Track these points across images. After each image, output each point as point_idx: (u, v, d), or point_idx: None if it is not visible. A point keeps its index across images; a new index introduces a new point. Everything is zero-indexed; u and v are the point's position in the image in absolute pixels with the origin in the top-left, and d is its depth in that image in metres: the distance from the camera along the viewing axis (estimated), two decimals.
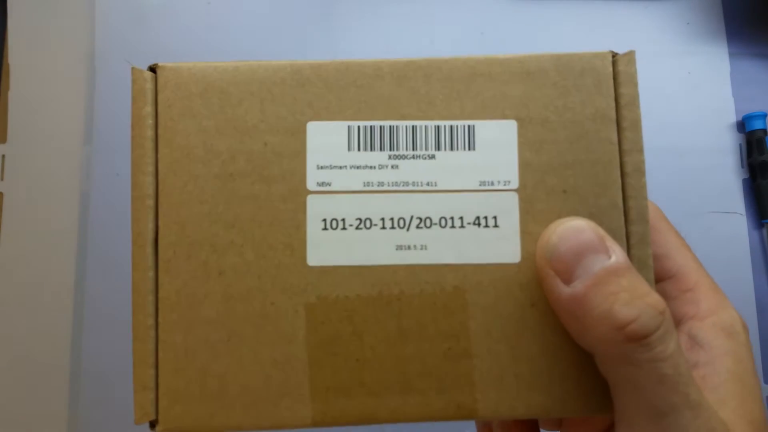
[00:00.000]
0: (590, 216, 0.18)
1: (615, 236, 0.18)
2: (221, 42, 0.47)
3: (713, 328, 0.20)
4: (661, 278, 0.21)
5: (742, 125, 0.46)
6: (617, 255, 0.17)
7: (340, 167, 0.17)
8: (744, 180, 0.46)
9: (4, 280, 0.43)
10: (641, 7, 0.48)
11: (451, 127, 0.18)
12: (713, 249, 0.45)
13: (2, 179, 0.45)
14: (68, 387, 0.42)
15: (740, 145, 0.46)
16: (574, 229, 0.17)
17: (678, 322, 0.21)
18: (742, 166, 0.46)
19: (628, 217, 0.18)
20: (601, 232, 0.17)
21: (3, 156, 0.45)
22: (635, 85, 0.18)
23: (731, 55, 0.48)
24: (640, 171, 0.18)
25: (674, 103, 0.47)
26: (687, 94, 0.47)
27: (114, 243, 0.44)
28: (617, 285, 0.16)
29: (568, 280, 0.17)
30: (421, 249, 0.17)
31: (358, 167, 0.17)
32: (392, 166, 0.17)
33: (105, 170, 0.45)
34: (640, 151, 0.18)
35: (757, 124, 0.45)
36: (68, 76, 0.46)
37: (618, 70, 0.18)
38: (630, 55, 0.18)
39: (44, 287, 0.43)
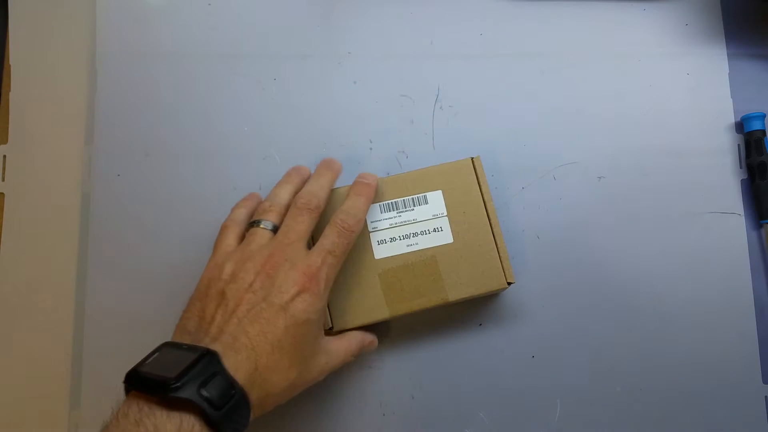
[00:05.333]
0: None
1: None
2: (221, 42, 0.47)
3: None
4: None
5: (740, 126, 0.46)
6: None
7: (380, 221, 0.41)
8: (742, 180, 0.46)
9: (4, 280, 0.43)
10: (640, 9, 0.49)
11: (418, 196, 0.41)
12: (712, 249, 0.45)
13: (3, 180, 0.45)
14: (68, 387, 0.42)
15: (738, 145, 0.46)
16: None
17: None
18: (741, 167, 0.46)
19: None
20: None
21: (4, 156, 0.45)
22: None
23: (730, 56, 0.48)
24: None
25: (673, 103, 0.47)
26: (686, 94, 0.47)
27: (115, 243, 0.44)
28: None
29: None
30: (416, 245, 0.40)
31: (386, 219, 0.41)
32: (398, 215, 0.41)
33: (106, 171, 0.45)
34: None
35: (756, 125, 0.45)
36: (69, 77, 0.46)
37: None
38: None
39: (45, 287, 0.43)
